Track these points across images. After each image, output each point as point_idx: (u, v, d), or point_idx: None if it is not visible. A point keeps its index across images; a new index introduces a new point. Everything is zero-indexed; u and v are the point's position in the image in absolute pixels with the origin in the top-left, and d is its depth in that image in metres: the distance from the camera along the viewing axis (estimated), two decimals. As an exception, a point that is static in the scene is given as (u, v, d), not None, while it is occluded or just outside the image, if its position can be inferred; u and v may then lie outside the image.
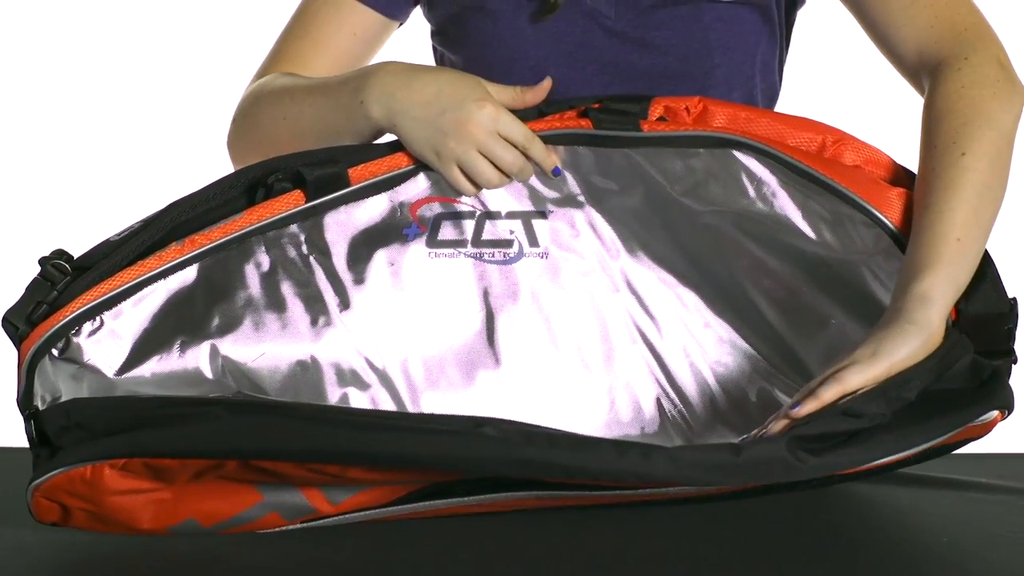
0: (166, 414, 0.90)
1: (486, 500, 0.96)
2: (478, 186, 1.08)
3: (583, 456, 0.87)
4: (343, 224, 1.03)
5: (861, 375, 0.94)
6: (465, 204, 1.04)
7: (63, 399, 0.93)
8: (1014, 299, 1.03)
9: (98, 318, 0.94)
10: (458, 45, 1.25)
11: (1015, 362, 1.02)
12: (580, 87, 1.20)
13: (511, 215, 1.07)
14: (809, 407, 0.92)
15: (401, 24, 1.29)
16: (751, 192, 1.07)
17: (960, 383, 0.97)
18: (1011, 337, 1.02)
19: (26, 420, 0.94)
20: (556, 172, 1.10)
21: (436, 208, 1.00)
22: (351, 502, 0.96)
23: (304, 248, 1.00)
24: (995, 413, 0.98)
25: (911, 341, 0.96)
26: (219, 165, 1.28)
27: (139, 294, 0.95)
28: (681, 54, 1.20)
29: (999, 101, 1.07)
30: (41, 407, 0.93)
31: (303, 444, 0.88)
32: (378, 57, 1.27)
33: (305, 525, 0.97)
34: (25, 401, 0.94)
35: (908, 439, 0.93)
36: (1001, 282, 1.03)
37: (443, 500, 0.96)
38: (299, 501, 0.95)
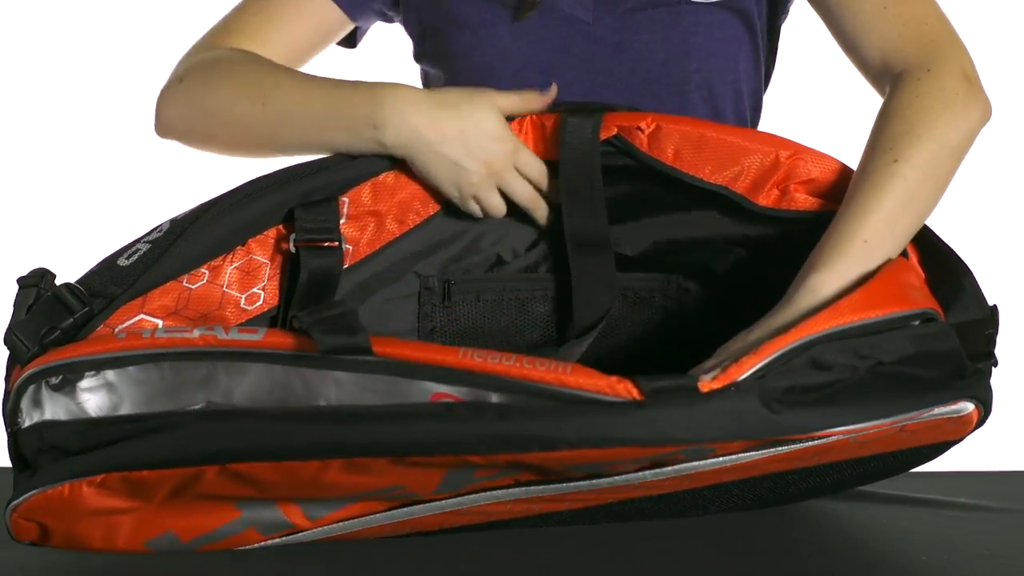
0: (138, 428, 0.90)
1: (465, 503, 0.96)
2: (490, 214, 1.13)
3: (566, 424, 0.87)
4: (353, 387, 0.94)
5: (740, 344, 0.96)
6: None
7: (43, 420, 0.92)
8: (994, 306, 1.02)
9: (103, 372, 0.92)
10: (439, 58, 1.26)
11: (995, 364, 1.02)
12: (561, 93, 1.20)
13: None
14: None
15: (358, 31, 1.28)
16: None
17: (940, 373, 0.97)
18: (991, 342, 1.02)
19: (10, 437, 0.93)
20: None
21: (449, 402, 0.92)
22: (330, 518, 0.96)
23: (311, 389, 0.94)
24: (971, 408, 0.98)
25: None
26: (213, 171, 1.27)
27: (147, 364, 0.92)
28: (660, 59, 1.21)
29: (951, 114, 1.06)
30: (22, 427, 0.92)
31: (274, 441, 0.88)
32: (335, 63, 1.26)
33: (283, 541, 0.97)
34: (11, 418, 0.93)
35: (885, 408, 0.93)
36: (981, 292, 1.02)
37: (422, 506, 0.96)
38: (278, 517, 0.95)
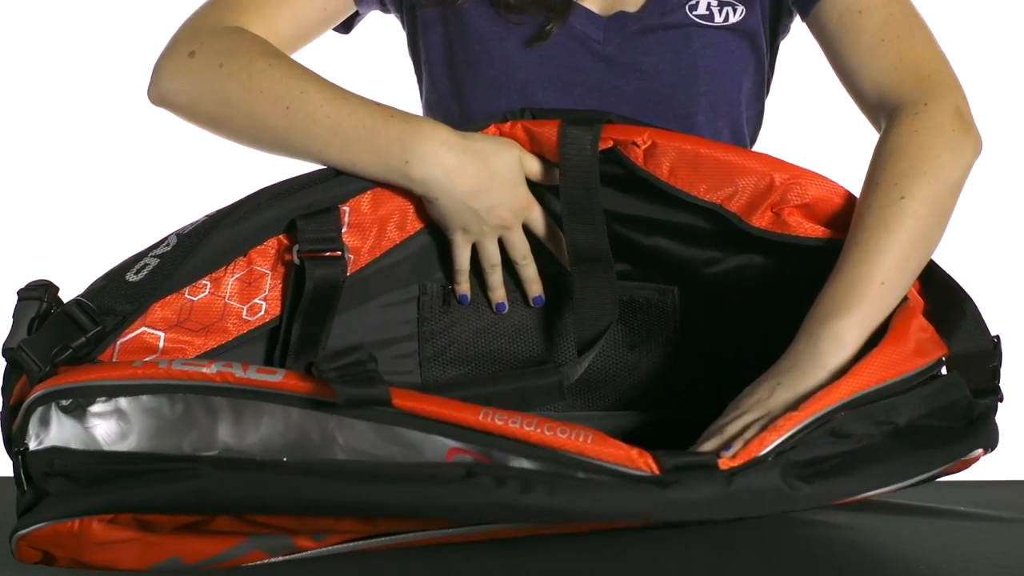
0: (151, 469, 0.89)
1: (472, 531, 0.96)
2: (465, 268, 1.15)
3: (587, 501, 0.86)
4: (370, 436, 0.93)
5: (762, 408, 0.96)
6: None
7: (52, 444, 0.91)
8: (997, 337, 1.03)
9: (116, 399, 0.92)
10: (445, 68, 1.26)
11: (1001, 400, 1.02)
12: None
13: None
14: (713, 443, 0.93)
15: (358, 15, 1.28)
16: None
17: (950, 421, 0.98)
18: (996, 375, 1.02)
19: (14, 457, 0.92)
20: (538, 300, 1.18)
21: (468, 460, 0.91)
22: (336, 539, 0.96)
23: (326, 434, 0.93)
24: (978, 452, 0.99)
25: (818, 384, 0.97)
26: (214, 175, 1.26)
27: (161, 396, 0.92)
28: (668, 80, 1.21)
29: (950, 150, 1.07)
30: (31, 447, 0.91)
31: (293, 495, 0.86)
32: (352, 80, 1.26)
33: (288, 559, 0.97)
34: (18, 438, 0.92)
35: (899, 472, 0.93)
36: (983, 320, 1.03)
37: (429, 532, 0.96)
38: (284, 542, 0.94)
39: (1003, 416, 1.03)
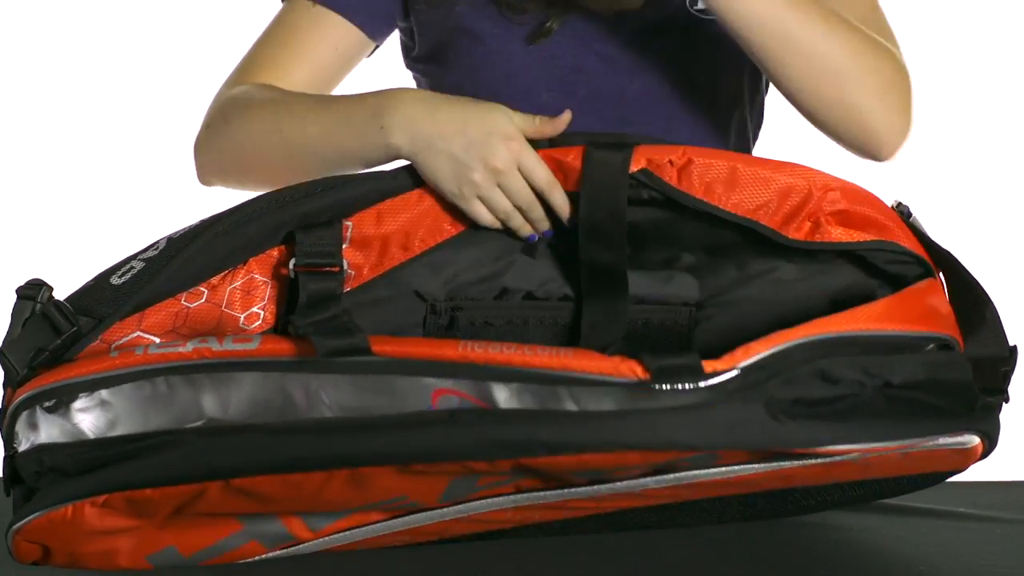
0: (139, 447, 0.90)
1: (465, 511, 0.96)
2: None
3: (571, 429, 0.87)
4: (353, 389, 0.94)
5: None
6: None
7: (41, 443, 0.92)
8: (1014, 347, 1.02)
9: (97, 392, 0.92)
10: (446, 71, 1.25)
11: (1006, 401, 1.01)
12: (572, 110, 1.20)
13: None
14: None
15: (376, 47, 1.28)
16: None
17: (951, 403, 0.97)
18: (1006, 379, 1.02)
19: (6, 460, 0.93)
20: (547, 234, 1.10)
21: (454, 401, 0.91)
22: (331, 528, 0.96)
23: (310, 394, 0.93)
24: (976, 441, 0.98)
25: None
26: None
27: (141, 381, 0.92)
28: (672, 78, 1.21)
29: (890, 62, 1.11)
30: (19, 449, 0.92)
31: (278, 453, 0.87)
32: (348, 82, 1.26)
33: (285, 553, 0.97)
34: (8, 442, 0.93)
35: (890, 431, 0.93)
36: (1002, 328, 1.02)
37: (422, 514, 0.96)
38: (279, 530, 0.95)
39: (1004, 417, 1.03)
